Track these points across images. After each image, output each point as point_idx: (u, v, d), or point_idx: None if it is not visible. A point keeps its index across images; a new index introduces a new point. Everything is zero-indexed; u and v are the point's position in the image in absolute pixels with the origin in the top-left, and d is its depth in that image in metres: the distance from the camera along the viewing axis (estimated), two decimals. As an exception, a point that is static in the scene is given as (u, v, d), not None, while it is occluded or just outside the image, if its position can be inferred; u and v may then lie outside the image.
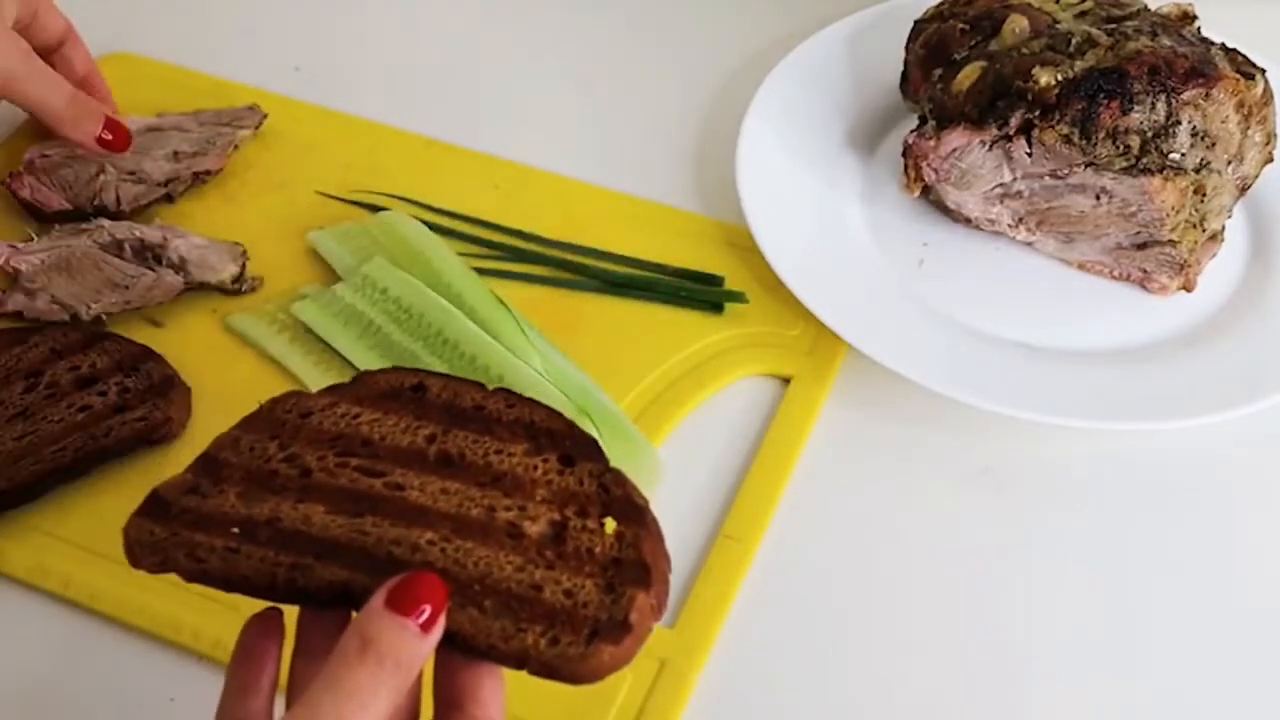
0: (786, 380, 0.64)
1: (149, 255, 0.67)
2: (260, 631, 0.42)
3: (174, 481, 0.43)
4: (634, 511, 0.42)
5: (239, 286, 0.66)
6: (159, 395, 0.60)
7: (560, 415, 0.44)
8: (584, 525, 0.41)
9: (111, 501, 0.58)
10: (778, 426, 0.62)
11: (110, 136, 0.69)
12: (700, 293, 0.67)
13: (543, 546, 0.41)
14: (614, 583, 0.40)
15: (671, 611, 0.55)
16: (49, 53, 0.71)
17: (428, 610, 0.38)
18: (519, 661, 0.38)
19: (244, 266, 0.67)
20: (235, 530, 0.42)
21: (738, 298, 0.66)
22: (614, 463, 0.61)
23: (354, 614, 0.39)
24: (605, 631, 0.38)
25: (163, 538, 0.42)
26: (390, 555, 0.40)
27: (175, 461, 0.60)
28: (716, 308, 0.66)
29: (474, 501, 0.42)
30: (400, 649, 0.37)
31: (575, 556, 0.40)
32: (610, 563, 0.40)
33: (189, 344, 0.64)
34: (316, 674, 0.39)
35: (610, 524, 0.41)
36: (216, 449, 0.44)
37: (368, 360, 0.61)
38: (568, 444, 0.44)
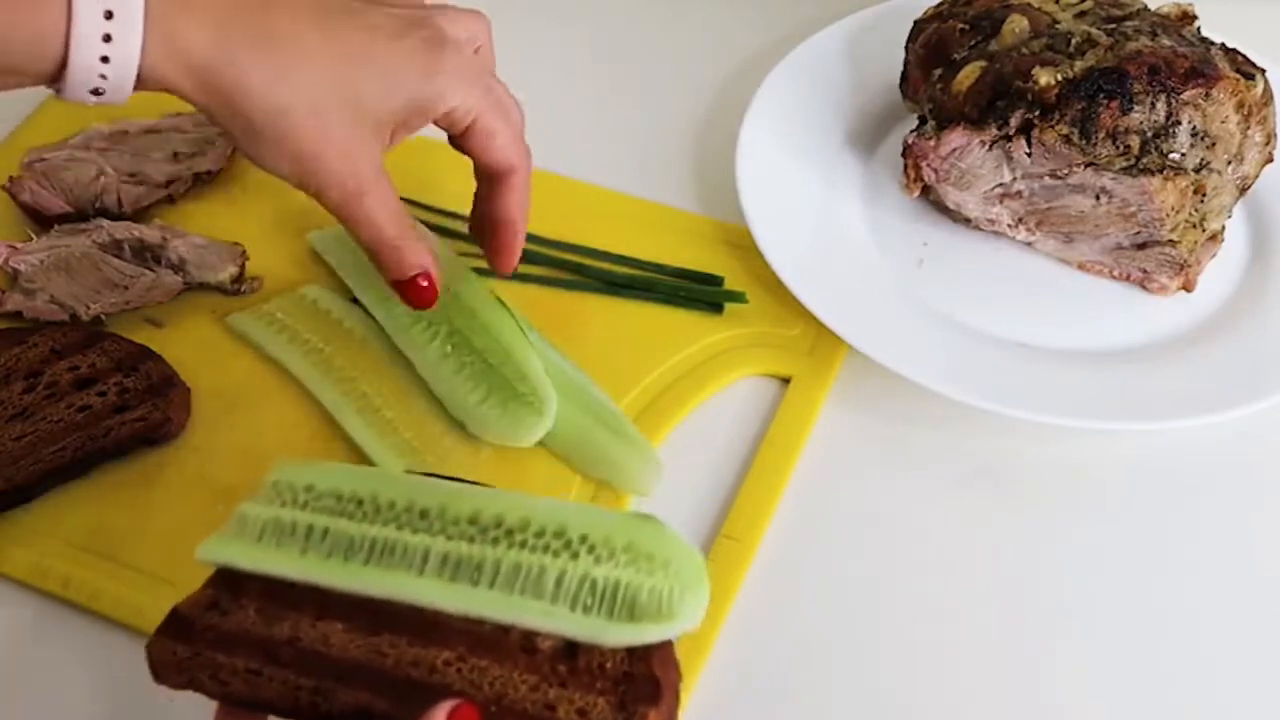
0: (786, 380, 0.64)
1: (148, 255, 0.67)
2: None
3: (194, 598, 0.44)
4: None
5: (238, 287, 0.66)
6: (158, 395, 0.60)
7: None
8: None
9: (111, 501, 0.58)
10: (778, 426, 0.62)
11: (425, 284, 0.55)
12: (700, 293, 0.67)
13: (556, 662, 0.41)
14: (625, 700, 0.40)
15: (671, 611, 0.55)
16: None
17: None
18: None
19: (243, 267, 0.67)
20: (258, 653, 0.42)
21: (738, 298, 0.66)
22: (614, 463, 0.61)
23: None
24: None
25: (186, 657, 0.43)
26: (409, 678, 0.41)
27: (175, 461, 0.60)
28: (716, 308, 0.66)
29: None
30: None
31: (587, 672, 0.41)
32: (622, 677, 0.41)
33: (188, 344, 0.64)
34: None
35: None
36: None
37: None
38: None
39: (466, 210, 0.59)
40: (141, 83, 0.47)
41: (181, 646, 0.43)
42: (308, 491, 0.45)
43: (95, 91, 0.46)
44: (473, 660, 0.41)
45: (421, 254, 0.54)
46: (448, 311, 0.63)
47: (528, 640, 0.41)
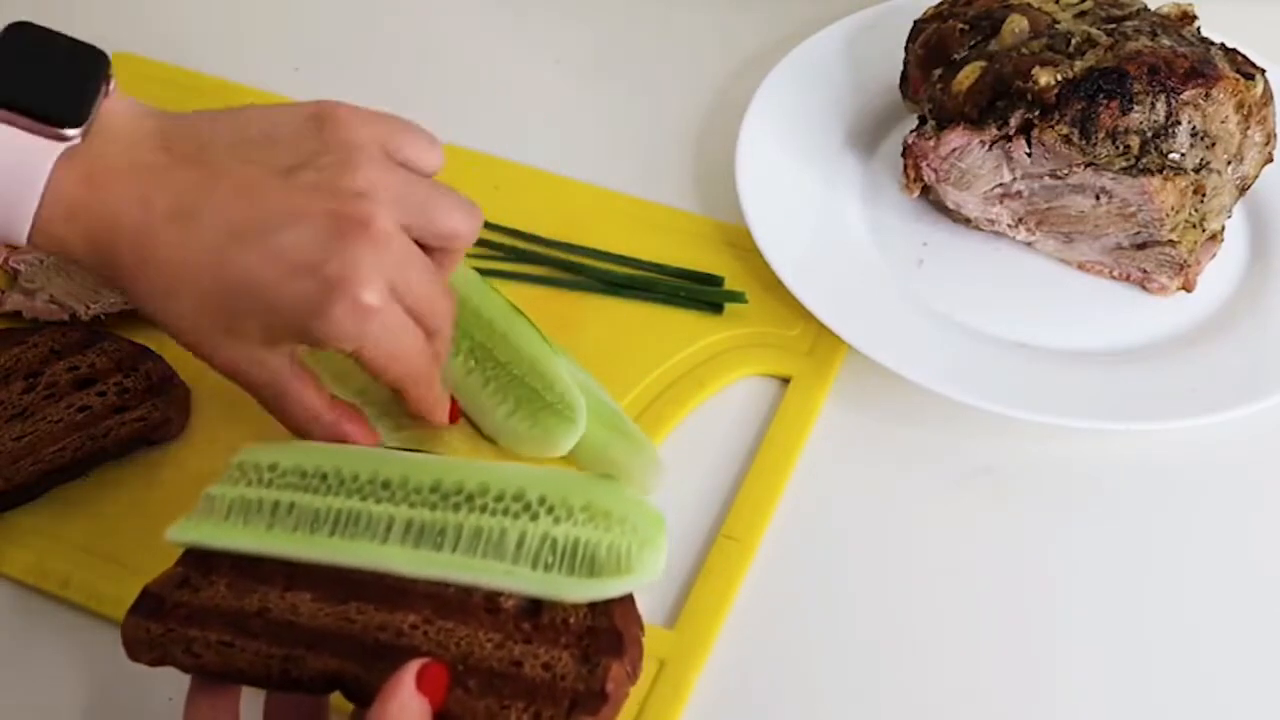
0: (786, 380, 0.64)
1: (148, 255, 0.67)
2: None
3: (165, 577, 0.45)
4: None
5: (238, 286, 0.66)
6: (158, 395, 0.60)
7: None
8: None
9: (111, 501, 0.58)
10: (777, 426, 0.62)
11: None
12: (700, 293, 0.67)
13: (520, 620, 0.42)
14: (589, 653, 0.41)
15: (671, 612, 0.55)
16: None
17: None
18: None
19: (243, 266, 0.67)
20: (229, 626, 0.43)
21: (737, 298, 0.66)
22: (615, 462, 0.61)
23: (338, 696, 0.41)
24: (584, 702, 0.40)
25: (159, 634, 0.43)
26: (378, 642, 0.42)
27: (174, 461, 0.60)
28: (716, 308, 0.66)
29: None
30: None
31: (551, 629, 0.42)
32: (585, 632, 0.42)
33: (188, 344, 0.64)
34: None
35: None
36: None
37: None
38: None
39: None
40: (35, 242, 0.45)
41: (154, 624, 0.43)
42: (271, 470, 0.47)
43: None
44: (439, 622, 0.42)
45: (356, 433, 0.51)
46: (467, 326, 0.62)
47: (491, 600, 0.42)
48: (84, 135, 0.45)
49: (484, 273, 0.66)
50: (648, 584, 0.43)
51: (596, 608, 0.42)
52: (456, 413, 0.56)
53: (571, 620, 0.42)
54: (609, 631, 0.41)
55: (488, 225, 0.69)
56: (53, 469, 0.57)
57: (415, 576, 0.43)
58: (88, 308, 0.64)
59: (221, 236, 0.45)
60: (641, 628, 0.43)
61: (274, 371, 0.48)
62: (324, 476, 0.46)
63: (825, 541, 0.58)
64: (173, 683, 0.52)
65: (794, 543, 0.58)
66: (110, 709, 0.53)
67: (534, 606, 0.42)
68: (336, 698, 0.43)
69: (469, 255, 0.67)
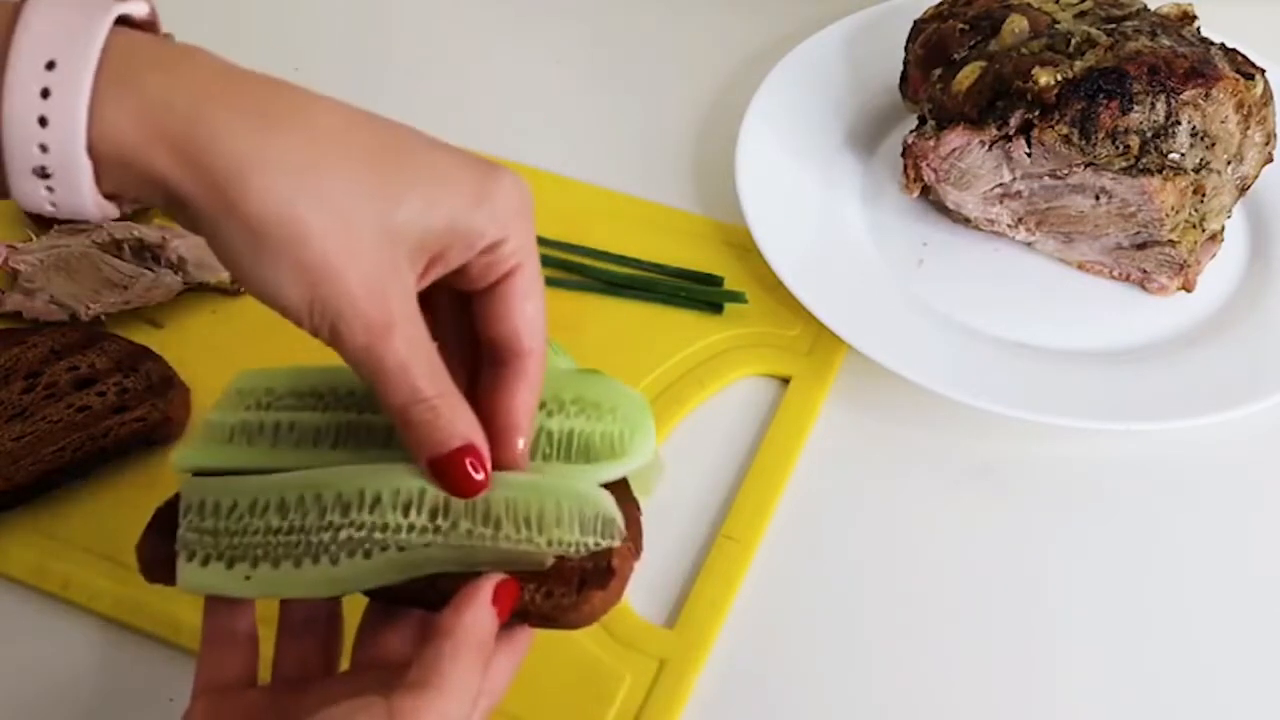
0: (786, 380, 0.64)
1: (148, 255, 0.67)
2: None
3: (176, 499, 0.44)
4: None
5: (238, 287, 0.66)
6: (158, 395, 0.60)
7: None
8: None
9: (111, 501, 0.58)
10: (777, 426, 0.62)
11: (473, 465, 0.40)
12: (700, 293, 0.67)
13: None
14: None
15: (671, 611, 0.55)
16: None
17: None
18: (521, 616, 0.40)
19: (243, 266, 0.67)
20: None
21: (737, 298, 0.66)
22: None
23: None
24: (593, 579, 0.41)
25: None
26: None
27: (175, 472, 0.60)
28: (716, 308, 0.66)
29: None
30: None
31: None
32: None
33: (188, 344, 0.64)
34: (304, 652, 0.43)
35: None
36: None
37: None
38: None
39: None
40: (99, 159, 0.35)
41: (170, 541, 0.43)
42: (268, 394, 0.46)
43: (41, 174, 0.35)
44: None
45: (465, 420, 0.40)
46: None
47: None
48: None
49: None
50: (640, 466, 0.44)
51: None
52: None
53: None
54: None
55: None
56: (53, 469, 0.57)
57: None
58: (88, 308, 0.64)
59: (346, 106, 0.39)
60: (639, 508, 0.44)
61: (402, 296, 0.38)
62: (320, 395, 0.45)
63: (825, 541, 0.58)
64: (174, 683, 0.53)
65: (794, 543, 0.58)
66: (111, 709, 0.53)
67: None
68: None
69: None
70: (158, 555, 0.43)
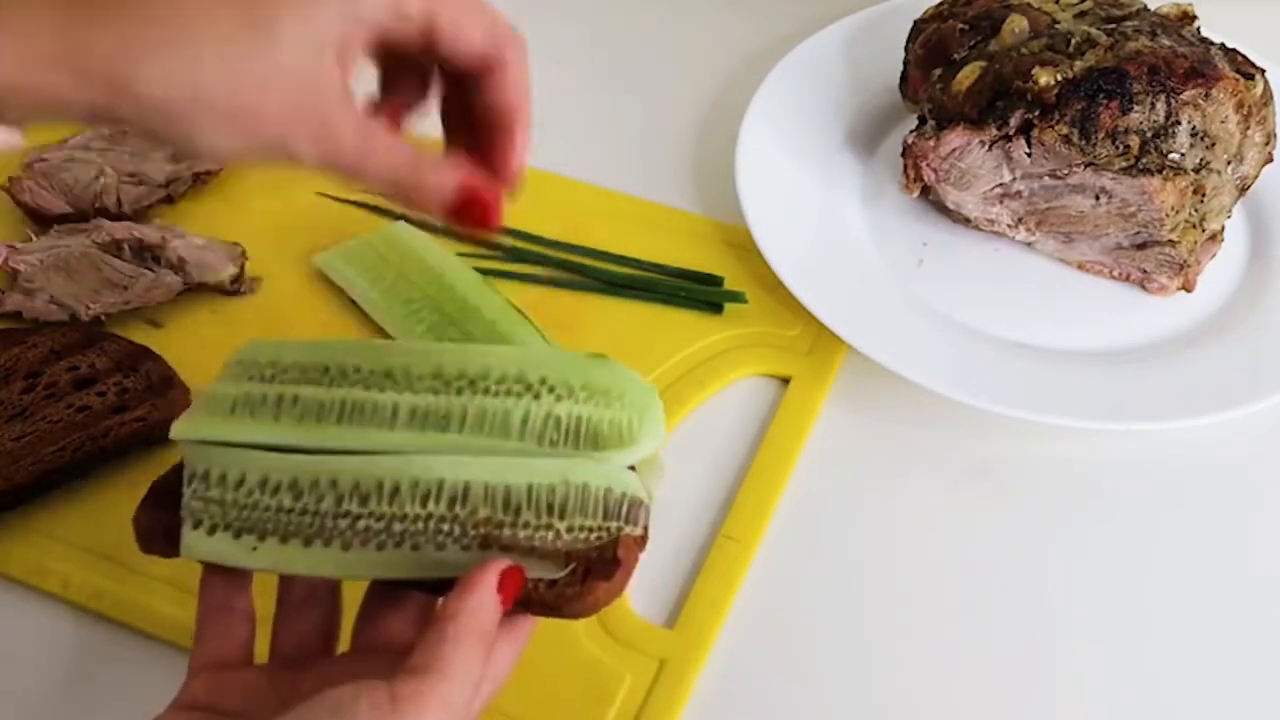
0: (786, 380, 0.64)
1: (148, 255, 0.67)
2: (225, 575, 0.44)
3: (172, 472, 0.45)
4: None
5: (238, 287, 0.66)
6: (158, 395, 0.60)
7: None
8: None
9: (111, 502, 0.58)
10: (777, 426, 0.62)
11: (479, 210, 0.42)
12: (700, 293, 0.67)
13: None
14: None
15: (671, 612, 0.55)
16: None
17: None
18: (523, 605, 0.40)
19: (243, 267, 0.67)
20: None
21: (737, 298, 0.66)
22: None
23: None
24: (597, 570, 0.40)
25: (175, 525, 0.43)
26: None
27: (174, 462, 0.60)
28: (716, 308, 0.66)
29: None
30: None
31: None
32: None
33: (188, 344, 0.64)
34: (303, 629, 0.43)
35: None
36: None
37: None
38: None
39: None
40: None
41: (168, 513, 0.43)
42: (273, 366, 0.46)
43: None
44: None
45: (449, 170, 0.42)
46: (467, 326, 0.62)
47: None
48: None
49: (484, 273, 0.66)
50: (648, 454, 0.43)
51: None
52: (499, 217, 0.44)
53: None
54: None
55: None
56: (53, 469, 0.57)
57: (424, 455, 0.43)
58: (88, 308, 0.64)
59: None
60: (649, 498, 0.44)
61: (334, 92, 0.39)
62: (325, 369, 0.45)
63: (825, 541, 0.58)
64: (174, 683, 0.53)
65: (794, 543, 0.58)
66: (111, 709, 0.53)
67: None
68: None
69: (468, 255, 0.68)
70: (156, 526, 0.43)
